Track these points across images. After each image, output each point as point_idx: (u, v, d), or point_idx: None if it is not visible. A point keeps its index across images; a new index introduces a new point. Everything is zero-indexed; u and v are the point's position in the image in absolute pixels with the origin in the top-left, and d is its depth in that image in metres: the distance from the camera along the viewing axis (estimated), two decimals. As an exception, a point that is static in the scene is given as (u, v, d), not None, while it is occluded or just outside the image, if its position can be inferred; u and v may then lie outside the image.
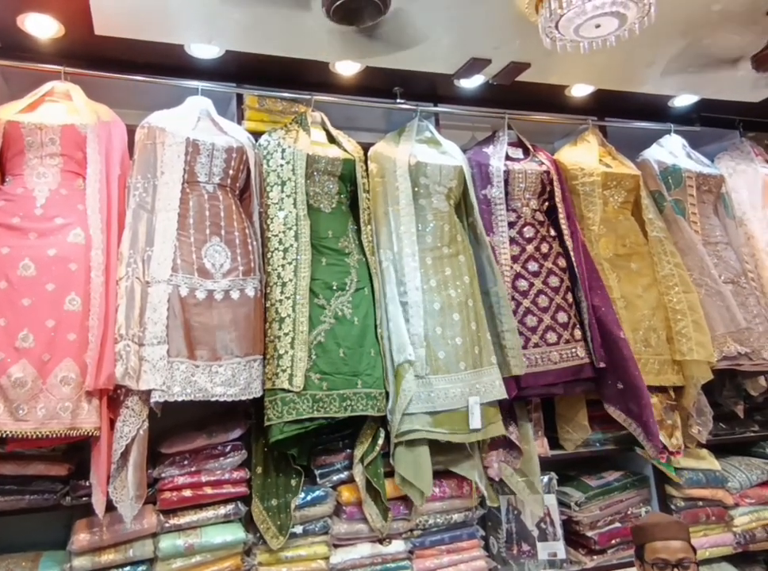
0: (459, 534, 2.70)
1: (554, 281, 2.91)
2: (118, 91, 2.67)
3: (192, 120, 2.58)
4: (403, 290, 2.64)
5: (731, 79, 3.14)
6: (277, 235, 2.55)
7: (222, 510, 2.38)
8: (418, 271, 2.67)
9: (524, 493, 2.75)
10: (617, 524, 2.95)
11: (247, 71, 2.81)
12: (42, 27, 2.41)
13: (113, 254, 2.28)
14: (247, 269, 2.43)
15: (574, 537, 2.94)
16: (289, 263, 2.51)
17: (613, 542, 2.92)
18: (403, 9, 2.34)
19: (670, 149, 3.47)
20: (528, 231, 2.97)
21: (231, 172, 2.53)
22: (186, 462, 2.37)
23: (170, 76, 2.69)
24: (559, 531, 2.83)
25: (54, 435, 2.02)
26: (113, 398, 2.17)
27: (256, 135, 2.74)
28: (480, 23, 2.50)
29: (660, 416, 2.89)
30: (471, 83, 3.03)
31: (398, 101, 3.05)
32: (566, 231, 3.00)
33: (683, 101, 3.44)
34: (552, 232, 3.03)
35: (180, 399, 2.16)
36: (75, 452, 2.30)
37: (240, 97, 2.84)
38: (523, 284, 2.88)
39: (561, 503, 2.91)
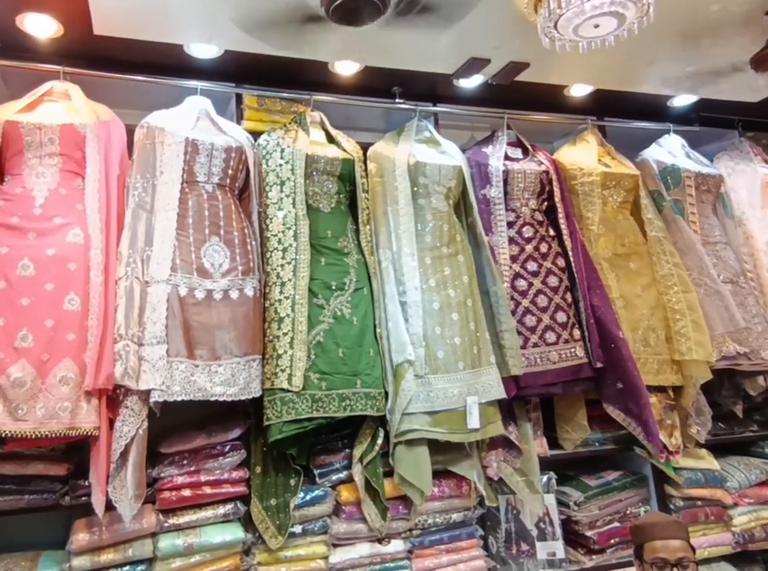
0: (458, 534, 2.70)
1: (553, 280, 2.92)
2: (117, 91, 2.67)
3: (191, 119, 2.58)
4: (402, 290, 2.64)
5: (730, 79, 3.14)
6: (276, 235, 2.55)
7: (221, 509, 2.39)
8: (417, 271, 2.67)
9: (524, 493, 2.75)
10: (616, 524, 2.95)
11: (246, 71, 2.81)
12: (41, 27, 2.41)
13: (112, 253, 2.28)
14: (247, 268, 2.43)
15: (573, 536, 2.94)
16: (289, 263, 2.51)
17: (612, 541, 2.92)
18: (403, 9, 2.35)
19: (669, 149, 3.47)
20: (527, 231, 2.97)
21: (230, 172, 2.53)
22: (185, 462, 2.38)
23: (169, 76, 2.69)
24: (558, 531, 2.83)
25: (53, 435, 2.02)
26: (112, 398, 2.17)
27: (255, 134, 2.74)
28: (479, 23, 2.50)
29: (659, 416, 2.89)
30: (470, 83, 3.03)
31: (397, 100, 3.05)
32: (565, 231, 3.00)
33: (682, 100, 3.45)
34: (551, 232, 3.03)
35: (179, 398, 2.17)
36: (74, 452, 2.30)
37: (239, 97, 2.84)
38: (522, 284, 2.88)
39: (560, 503, 2.91)
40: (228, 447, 2.44)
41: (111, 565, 2.23)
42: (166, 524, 2.30)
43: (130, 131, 2.52)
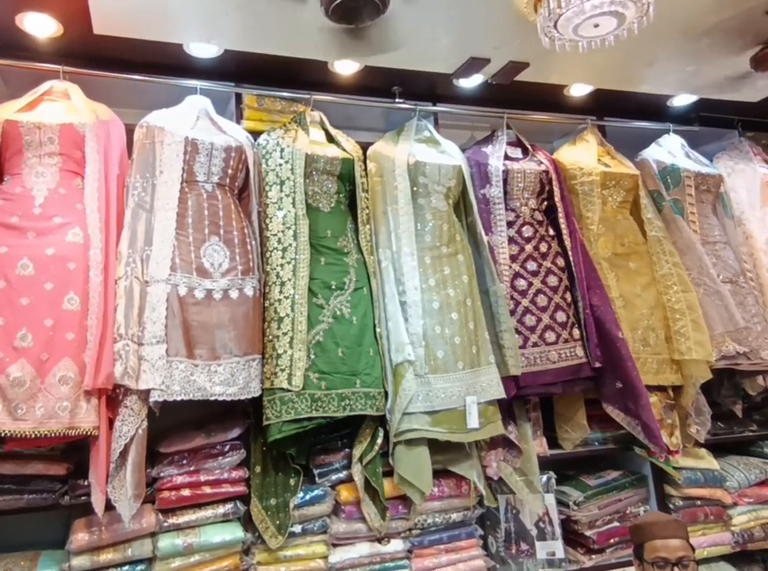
0: (458, 534, 2.70)
1: (552, 280, 2.92)
2: (117, 90, 2.67)
3: (191, 119, 2.57)
4: (402, 289, 2.64)
5: (730, 79, 3.14)
6: (276, 235, 2.55)
7: (221, 509, 2.39)
8: (417, 270, 2.67)
9: (523, 492, 2.75)
10: (616, 523, 2.96)
11: (245, 71, 2.80)
12: (41, 26, 2.41)
13: (112, 253, 2.28)
14: (246, 268, 2.43)
15: (572, 536, 2.94)
16: (288, 263, 2.51)
17: (612, 541, 2.92)
18: (402, 9, 2.34)
19: (669, 149, 3.47)
20: (527, 231, 2.97)
21: (230, 171, 2.52)
22: (184, 462, 2.38)
23: (168, 75, 2.68)
24: (558, 530, 2.83)
25: (52, 435, 2.02)
26: (111, 397, 2.16)
27: (255, 134, 2.74)
28: (479, 22, 2.50)
29: (660, 416, 2.89)
30: (470, 83, 3.03)
31: (397, 100, 3.05)
32: (564, 231, 3.00)
33: (682, 100, 3.45)
34: (551, 232, 3.03)
35: (179, 398, 2.16)
36: (74, 451, 2.31)
37: (238, 97, 2.84)
38: (521, 283, 2.88)
39: (559, 503, 2.91)
40: (227, 447, 2.44)
41: (110, 565, 2.23)
42: (165, 524, 2.30)
43: (130, 130, 2.52)
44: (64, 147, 2.34)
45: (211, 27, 2.46)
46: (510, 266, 2.89)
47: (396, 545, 2.58)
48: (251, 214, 2.56)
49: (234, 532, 2.35)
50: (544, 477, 2.87)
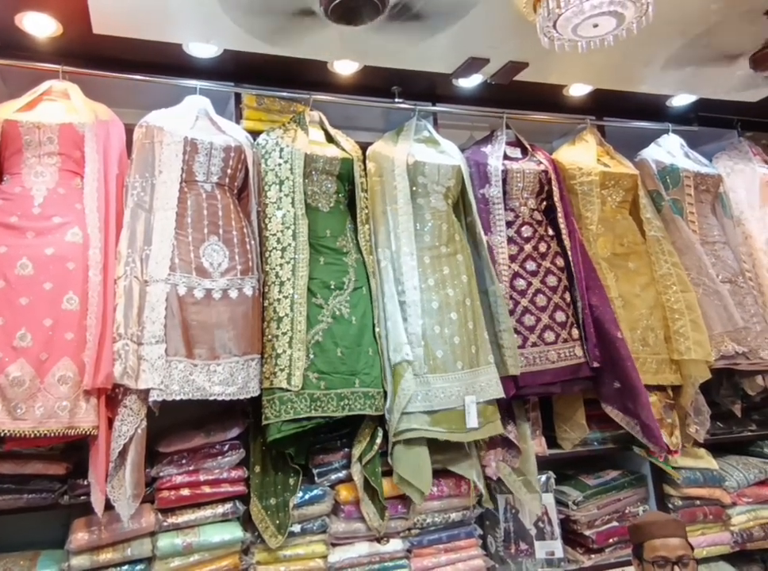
0: (457, 533, 2.70)
1: (552, 280, 2.92)
2: (116, 90, 2.67)
3: (190, 119, 2.57)
4: (401, 289, 2.64)
5: (729, 79, 3.14)
6: (275, 235, 2.55)
7: (220, 509, 2.39)
8: (416, 270, 2.67)
9: (521, 492, 2.75)
10: (615, 523, 2.96)
11: (245, 71, 2.80)
12: (40, 26, 2.41)
13: (111, 253, 2.28)
14: (245, 268, 2.43)
15: (571, 536, 2.94)
16: (287, 262, 2.51)
17: (611, 540, 2.92)
18: (401, 9, 2.35)
19: (668, 149, 3.47)
20: (526, 231, 2.97)
21: (229, 171, 2.52)
22: (184, 461, 2.38)
23: (168, 75, 2.68)
24: (557, 530, 2.83)
25: (52, 434, 2.02)
26: (111, 397, 2.17)
27: (254, 134, 2.74)
28: (478, 23, 2.50)
29: (660, 415, 2.89)
30: (469, 83, 3.03)
31: (396, 100, 3.05)
32: (564, 231, 3.01)
33: (681, 100, 3.45)
34: (550, 232, 3.03)
35: (178, 398, 2.17)
36: (73, 451, 2.31)
37: (238, 97, 2.84)
38: (521, 283, 2.88)
39: (559, 502, 2.91)
40: (226, 446, 2.44)
41: (110, 565, 2.23)
42: (165, 523, 2.30)
43: (129, 130, 2.52)
44: (64, 146, 2.34)
45: (210, 27, 2.46)
46: (509, 266, 2.89)
47: (395, 544, 2.58)
48: (250, 214, 2.56)
49: (233, 532, 2.35)
50: (543, 477, 2.87)
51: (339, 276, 2.61)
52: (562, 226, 3.01)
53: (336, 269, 2.62)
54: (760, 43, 2.77)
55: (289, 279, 2.49)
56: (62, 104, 2.46)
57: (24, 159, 2.32)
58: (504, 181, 2.98)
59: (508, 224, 2.96)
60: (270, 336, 2.43)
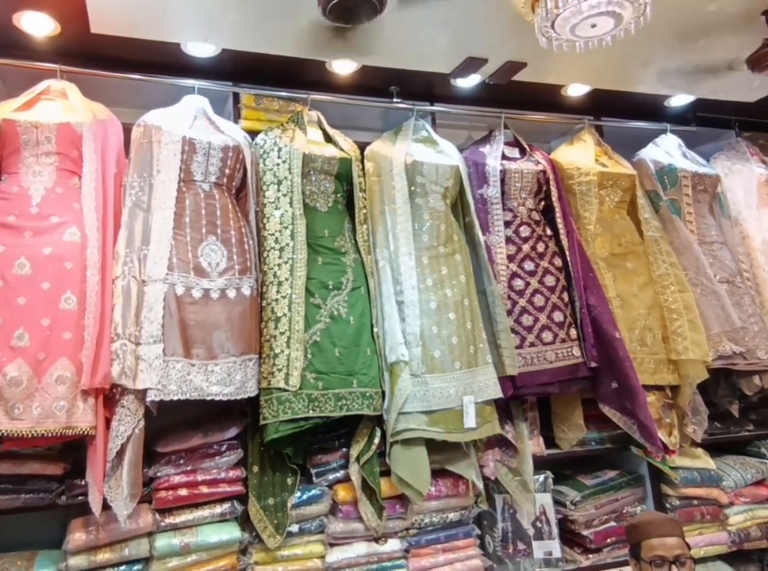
0: (455, 533, 2.70)
1: (550, 280, 2.92)
2: (114, 90, 2.67)
3: (188, 118, 2.57)
4: (399, 289, 2.64)
5: (727, 79, 3.15)
6: (273, 234, 2.55)
7: (218, 509, 2.38)
8: (414, 270, 2.67)
9: (517, 492, 2.76)
10: (612, 523, 2.96)
11: (243, 70, 2.80)
12: (38, 25, 2.41)
13: (109, 252, 2.28)
14: (244, 268, 2.43)
15: (569, 535, 2.94)
16: (285, 262, 2.51)
17: (608, 540, 2.93)
18: (400, 8, 2.35)
19: (666, 149, 3.47)
20: (524, 231, 2.97)
21: (227, 171, 2.52)
22: (181, 461, 2.37)
23: (166, 75, 2.68)
24: (555, 530, 2.83)
25: (49, 434, 2.02)
26: (108, 397, 2.16)
27: (253, 134, 2.74)
28: (476, 22, 2.50)
29: (658, 415, 2.89)
30: (468, 82, 3.03)
31: (395, 100, 3.05)
32: (562, 231, 3.01)
33: (679, 100, 3.45)
34: (548, 232, 3.03)
35: (176, 398, 2.16)
36: (71, 451, 2.31)
37: (236, 96, 2.84)
38: (519, 283, 2.88)
39: (556, 502, 2.92)
40: (224, 446, 2.44)
41: (108, 565, 2.23)
42: (162, 524, 2.30)
43: (127, 129, 2.51)
44: (61, 146, 2.33)
45: (208, 26, 2.46)
46: (507, 266, 2.89)
47: (393, 544, 2.58)
48: (248, 214, 2.56)
49: (231, 532, 2.35)
50: (541, 477, 2.88)
51: (338, 276, 2.61)
52: (560, 226, 3.01)
53: (334, 269, 2.61)
54: (757, 43, 2.77)
55: (287, 279, 2.49)
56: (60, 103, 2.45)
57: (21, 158, 2.31)
58: (503, 181, 2.98)
59: (507, 224, 2.96)
60: (268, 336, 2.43)
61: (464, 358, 2.63)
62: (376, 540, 2.56)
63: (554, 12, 2.13)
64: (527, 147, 3.20)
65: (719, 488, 3.09)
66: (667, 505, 3.05)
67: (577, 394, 2.97)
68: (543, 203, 3.08)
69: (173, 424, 2.45)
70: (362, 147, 2.91)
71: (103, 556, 2.22)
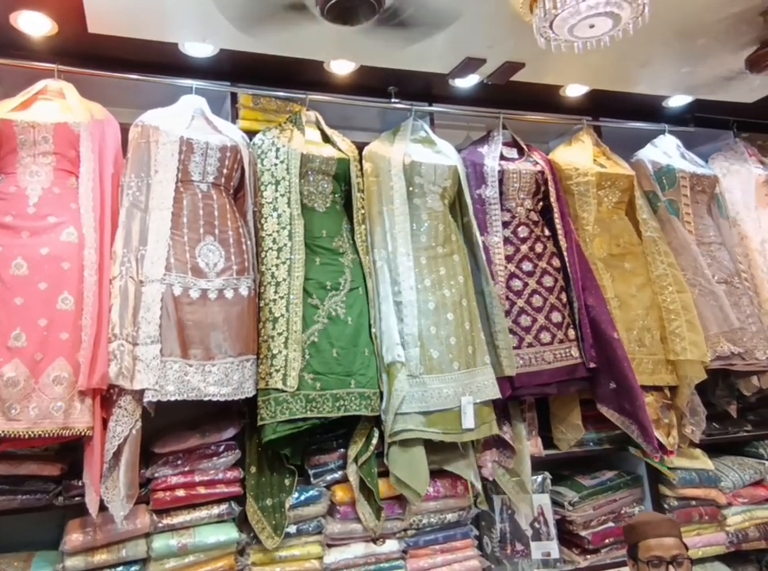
0: (453, 534, 2.70)
1: (548, 280, 2.92)
2: (112, 89, 2.66)
3: (186, 118, 2.57)
4: (397, 290, 2.64)
5: (726, 80, 3.15)
6: (271, 235, 2.54)
7: (215, 510, 2.38)
8: (412, 271, 2.67)
9: (514, 493, 2.75)
10: (611, 524, 2.96)
11: (241, 70, 2.80)
12: (35, 25, 2.40)
13: (107, 253, 2.27)
14: (241, 268, 2.42)
15: (567, 536, 2.94)
16: (283, 263, 2.50)
17: (607, 541, 2.92)
18: (398, 8, 2.34)
19: (664, 149, 3.47)
20: (523, 231, 2.97)
21: (225, 171, 2.52)
22: (179, 462, 2.37)
23: (164, 74, 2.67)
24: (553, 531, 2.83)
25: (46, 435, 2.02)
26: (105, 397, 2.16)
27: (250, 134, 2.73)
28: (475, 23, 2.50)
29: (656, 416, 2.89)
30: (466, 83, 3.03)
31: (393, 100, 3.05)
32: (560, 231, 3.00)
33: (677, 101, 3.45)
34: (546, 232, 3.03)
35: (173, 398, 2.16)
36: (68, 452, 2.30)
37: (234, 96, 2.83)
38: (517, 284, 2.88)
39: (555, 503, 2.91)
40: (222, 447, 2.43)
41: (105, 566, 2.22)
42: (160, 524, 2.29)
43: (124, 129, 2.51)
44: (59, 146, 2.33)
45: (206, 26, 2.46)
46: (506, 267, 2.89)
47: (391, 545, 2.58)
48: (246, 214, 2.56)
49: (229, 533, 2.35)
50: (539, 477, 2.88)
51: (335, 276, 2.60)
52: (558, 226, 3.01)
53: (332, 269, 2.61)
54: (756, 43, 2.77)
55: (285, 279, 2.48)
56: (57, 103, 2.45)
57: (19, 158, 2.31)
58: (501, 181, 2.98)
59: (505, 225, 2.96)
60: (265, 337, 2.43)
61: (462, 358, 2.63)
62: (374, 541, 2.56)
63: (552, 12, 2.12)
64: (525, 147, 3.20)
65: (717, 489, 3.09)
66: (665, 506, 3.05)
67: (576, 395, 2.96)
68: (541, 203, 3.08)
69: (170, 425, 2.45)
70: (360, 147, 2.91)
71: (100, 557, 2.22)
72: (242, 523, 2.43)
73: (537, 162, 3.11)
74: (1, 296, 2.09)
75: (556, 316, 2.86)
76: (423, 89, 3.11)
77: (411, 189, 2.80)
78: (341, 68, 2.85)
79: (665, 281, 3.10)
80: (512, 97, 3.22)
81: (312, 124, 2.87)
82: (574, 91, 3.26)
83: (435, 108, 3.17)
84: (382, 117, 3.20)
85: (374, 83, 2.99)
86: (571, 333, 2.87)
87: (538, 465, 2.87)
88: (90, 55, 2.57)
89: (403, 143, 2.91)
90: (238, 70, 2.80)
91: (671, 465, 2.99)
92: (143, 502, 2.30)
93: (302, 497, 2.49)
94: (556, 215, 3.02)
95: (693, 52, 2.86)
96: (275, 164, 2.62)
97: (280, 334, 2.41)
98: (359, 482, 2.51)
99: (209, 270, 2.37)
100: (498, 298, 2.77)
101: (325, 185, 2.72)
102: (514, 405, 2.88)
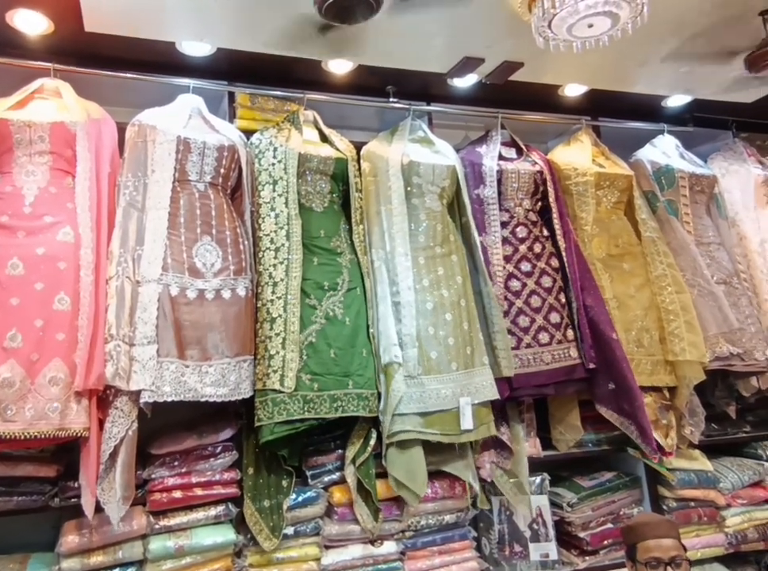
0: (451, 535, 2.69)
1: (546, 281, 2.91)
2: (108, 89, 2.65)
3: (183, 118, 2.56)
4: (395, 290, 2.63)
5: (724, 80, 3.15)
6: (268, 235, 2.53)
7: (213, 511, 2.37)
8: (411, 271, 2.66)
9: (512, 494, 2.75)
10: (609, 525, 2.95)
11: (238, 69, 2.79)
12: (31, 23, 2.39)
13: (103, 253, 2.26)
14: (239, 268, 2.41)
15: (566, 538, 2.93)
16: (281, 263, 2.49)
17: (605, 542, 2.91)
18: (396, 8, 2.33)
19: (663, 149, 3.47)
20: (521, 231, 2.96)
21: (222, 171, 2.51)
22: (176, 463, 2.36)
23: (161, 74, 2.67)
24: (551, 532, 2.82)
25: (42, 436, 2.00)
26: (102, 398, 2.15)
27: (248, 133, 2.72)
28: (473, 22, 2.49)
29: (655, 416, 2.89)
30: (464, 82, 3.03)
31: (391, 100, 3.04)
32: (558, 232, 3.00)
33: (676, 101, 3.45)
34: (545, 232, 3.02)
35: (170, 399, 2.15)
36: (64, 453, 2.29)
37: (231, 96, 2.82)
38: (515, 284, 2.87)
39: (553, 504, 2.90)
40: (219, 448, 2.42)
41: (101, 568, 2.21)
42: (156, 526, 2.28)
43: (121, 129, 2.50)
44: (55, 145, 2.32)
45: (204, 25, 2.45)
46: (504, 267, 2.88)
47: (389, 547, 2.57)
48: (243, 214, 2.55)
49: (226, 534, 2.34)
50: (538, 479, 2.87)
51: (333, 277, 2.59)
52: (557, 227, 3.00)
53: (330, 269, 2.60)
54: (755, 43, 2.76)
55: (282, 280, 2.47)
56: (53, 102, 2.44)
57: (15, 157, 2.29)
58: (499, 181, 2.98)
59: (503, 225, 2.96)
60: (263, 337, 2.42)
61: (461, 359, 2.62)
62: (372, 542, 2.55)
63: (551, 12, 2.12)
64: (524, 147, 3.19)
65: (716, 490, 3.08)
66: (664, 507, 3.04)
67: (574, 395, 2.96)
68: (539, 204, 3.07)
69: (167, 426, 2.43)
70: (358, 146, 2.90)
71: (96, 559, 2.20)
72: (239, 524, 2.42)
73: (536, 162, 3.10)
74: (-3, 296, 2.07)
75: (555, 317, 2.86)
76: (421, 88, 3.10)
77: (409, 189, 2.79)
78: (339, 67, 2.84)
79: (664, 282, 3.09)
80: (511, 96, 3.21)
81: (310, 124, 2.86)
82: (573, 91, 3.25)
83: (433, 107, 3.16)
84: (380, 117, 3.19)
85: (373, 83, 2.98)
86: (570, 334, 2.87)
87: (536, 466, 2.87)
88: (86, 54, 2.56)
89: (401, 142, 2.90)
90: (235, 70, 2.79)
91: (670, 466, 2.98)
92: (139, 503, 2.28)
93: (300, 498, 2.48)
94: (555, 215, 3.02)
95: (692, 52, 2.85)
96: (273, 164, 2.61)
97: (278, 334, 2.40)
98: (357, 483, 2.50)
99: (206, 270, 2.35)
100: (496, 299, 2.77)
101: (323, 185, 2.71)
102: (512, 406, 2.87)
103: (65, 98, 2.44)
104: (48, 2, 2.28)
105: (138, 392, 2.13)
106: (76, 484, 2.16)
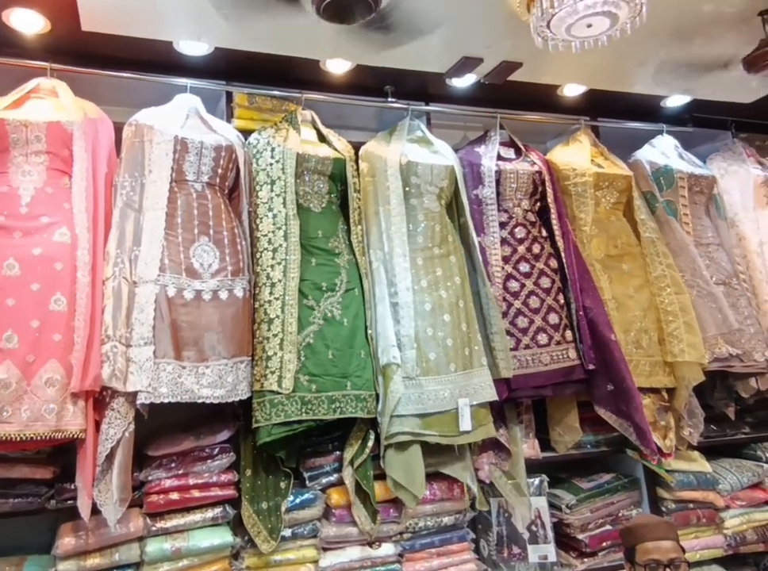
0: (449, 537, 2.68)
1: (545, 282, 2.90)
2: (105, 88, 2.64)
3: (180, 118, 2.55)
4: (394, 291, 2.62)
5: (723, 80, 3.14)
6: (266, 235, 2.52)
7: (210, 513, 2.36)
8: (409, 272, 2.65)
9: (511, 495, 2.74)
10: (608, 527, 2.94)
11: (236, 69, 2.78)
12: (28, 22, 2.38)
13: (100, 253, 2.25)
14: (236, 269, 2.40)
15: (564, 539, 2.92)
16: (279, 263, 2.48)
17: (604, 544, 2.90)
18: (394, 7, 2.33)
19: (662, 150, 3.46)
20: (520, 232, 2.96)
21: (220, 171, 2.50)
22: (173, 465, 2.35)
23: (158, 73, 2.66)
24: (550, 534, 2.81)
25: (38, 438, 1.99)
26: (98, 400, 2.14)
27: (246, 133, 2.72)
28: (472, 22, 2.48)
29: (653, 417, 2.88)
30: (463, 82, 3.02)
31: (389, 99, 3.03)
32: (557, 232, 2.99)
33: (675, 101, 3.44)
34: (544, 233, 3.01)
35: (167, 400, 2.14)
36: (60, 455, 2.28)
37: (229, 95, 2.82)
38: (514, 285, 2.87)
39: (552, 506, 2.90)
40: (216, 450, 2.41)
41: (97, 570, 2.20)
42: (153, 528, 2.27)
43: (118, 129, 2.49)
44: (51, 145, 2.31)
45: (201, 24, 2.44)
46: (502, 268, 2.87)
47: (387, 549, 2.56)
48: (241, 214, 2.53)
49: (223, 536, 2.33)
50: (537, 480, 2.86)
51: (331, 277, 2.58)
52: (555, 227, 3.00)
53: (328, 270, 2.59)
54: (754, 44, 2.76)
55: (280, 280, 2.46)
56: (50, 102, 2.42)
57: (11, 157, 2.28)
58: (498, 181, 2.97)
59: (502, 225, 2.95)
60: (260, 338, 2.41)
61: (459, 360, 2.61)
62: (370, 544, 2.54)
63: (549, 12, 2.11)
64: (522, 147, 3.18)
65: (715, 492, 3.07)
66: (663, 508, 3.04)
67: (573, 397, 2.95)
68: (538, 204, 3.06)
69: (164, 427, 2.43)
70: (356, 147, 2.89)
71: (93, 561, 2.19)
72: (236, 526, 2.41)
73: (534, 163, 3.10)
74: (-8, 297, 2.06)
75: (553, 318, 2.85)
76: (420, 88, 3.09)
77: (407, 189, 2.78)
78: (337, 67, 2.83)
79: (663, 283, 3.09)
80: (510, 96, 3.20)
81: (308, 124, 2.85)
82: (572, 91, 3.25)
83: (431, 107, 3.16)
84: (378, 117, 3.18)
85: (371, 82, 2.97)
86: (568, 335, 2.86)
87: (535, 467, 2.86)
88: (83, 54, 2.55)
89: (399, 142, 2.89)
90: (233, 69, 2.78)
91: (669, 468, 2.98)
92: (136, 505, 2.28)
93: (297, 500, 2.47)
94: (553, 215, 3.01)
95: (691, 52, 2.85)
96: (271, 164, 2.60)
97: (275, 335, 2.39)
98: (355, 485, 2.49)
99: (204, 271, 2.34)
100: (495, 299, 2.76)
101: (321, 185, 2.70)
102: (510, 407, 2.86)
103: (62, 98, 2.43)
104: (45, 1, 2.27)
105: (135, 394, 2.12)
106: (72, 486, 2.15)
